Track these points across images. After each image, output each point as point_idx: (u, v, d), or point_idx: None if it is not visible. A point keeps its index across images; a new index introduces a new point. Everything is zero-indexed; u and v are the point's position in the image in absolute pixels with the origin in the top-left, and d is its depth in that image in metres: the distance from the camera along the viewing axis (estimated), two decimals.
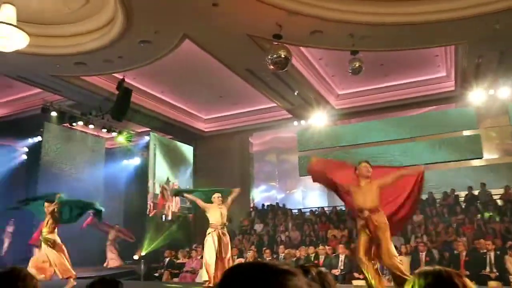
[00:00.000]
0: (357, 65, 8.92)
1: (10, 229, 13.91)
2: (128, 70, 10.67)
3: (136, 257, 14.24)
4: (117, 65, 10.25)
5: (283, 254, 10.78)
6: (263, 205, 15.96)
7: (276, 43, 8.42)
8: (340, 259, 9.89)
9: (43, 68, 10.36)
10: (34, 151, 14.85)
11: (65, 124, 13.81)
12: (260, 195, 17.25)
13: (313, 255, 10.40)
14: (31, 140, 15.39)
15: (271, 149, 17.15)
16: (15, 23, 7.22)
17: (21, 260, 9.57)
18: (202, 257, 8.39)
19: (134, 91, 11.37)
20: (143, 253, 14.23)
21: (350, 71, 9.08)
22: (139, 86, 12.41)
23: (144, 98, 13.09)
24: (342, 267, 9.74)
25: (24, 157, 16.27)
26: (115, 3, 7.72)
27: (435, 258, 9.44)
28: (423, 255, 9.36)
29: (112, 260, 13.86)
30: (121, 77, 10.85)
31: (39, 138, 14.45)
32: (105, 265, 13.83)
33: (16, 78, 11.27)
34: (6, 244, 13.88)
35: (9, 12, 7.20)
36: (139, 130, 16.17)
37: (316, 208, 15.03)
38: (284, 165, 17.01)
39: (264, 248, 11.48)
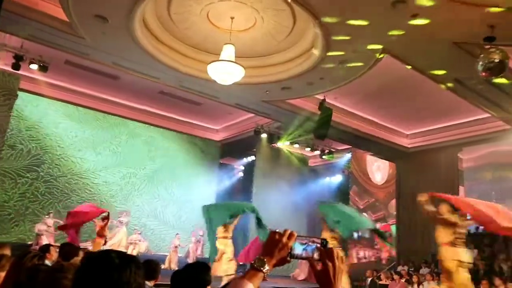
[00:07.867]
0: None
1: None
2: (329, 90, 11.13)
3: None
4: (318, 86, 10.83)
5: None
6: (476, 228, 14.24)
7: (488, 46, 7.57)
8: None
9: (256, 95, 11.70)
10: (249, 169, 16.80)
11: (273, 144, 15.23)
12: None
13: None
14: (245, 160, 17.45)
15: (486, 165, 15.15)
16: (233, 60, 8.42)
17: None
18: (405, 281, 8.03)
19: (334, 110, 11.77)
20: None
21: None
22: (338, 105, 12.76)
23: (344, 116, 13.37)
24: None
25: (241, 174, 18.54)
26: (314, 29, 8.22)
27: None
28: None
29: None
30: (322, 98, 11.38)
31: (252, 158, 16.29)
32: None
33: (233, 106, 13.06)
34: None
35: (229, 51, 8.46)
36: (340, 148, 16.56)
37: None
38: (503, 183, 14.80)
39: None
